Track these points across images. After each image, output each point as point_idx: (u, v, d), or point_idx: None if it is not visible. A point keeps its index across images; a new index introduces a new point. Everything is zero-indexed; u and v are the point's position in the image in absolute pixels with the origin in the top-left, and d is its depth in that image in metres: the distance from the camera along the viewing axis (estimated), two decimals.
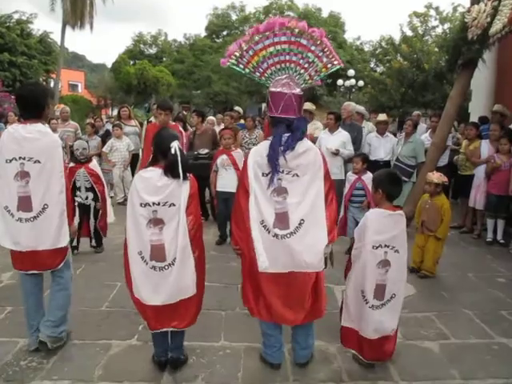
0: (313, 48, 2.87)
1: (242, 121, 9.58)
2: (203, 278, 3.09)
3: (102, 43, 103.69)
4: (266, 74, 2.94)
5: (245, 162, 2.99)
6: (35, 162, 3.06)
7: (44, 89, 3.36)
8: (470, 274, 5.09)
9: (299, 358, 3.20)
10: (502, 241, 6.25)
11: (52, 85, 26.56)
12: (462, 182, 6.99)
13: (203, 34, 41.85)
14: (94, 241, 5.56)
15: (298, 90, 2.86)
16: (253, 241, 2.85)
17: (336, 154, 6.34)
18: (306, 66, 2.90)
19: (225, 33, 41.27)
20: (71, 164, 5.24)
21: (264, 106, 30.10)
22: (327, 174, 2.96)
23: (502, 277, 5.05)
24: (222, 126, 7.88)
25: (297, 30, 2.84)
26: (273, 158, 2.80)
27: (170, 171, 2.82)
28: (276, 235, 2.83)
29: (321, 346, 3.44)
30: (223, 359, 3.26)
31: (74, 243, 5.26)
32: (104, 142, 8.01)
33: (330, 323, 3.44)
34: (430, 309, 4.09)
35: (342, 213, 5.54)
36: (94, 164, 5.46)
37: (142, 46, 42.48)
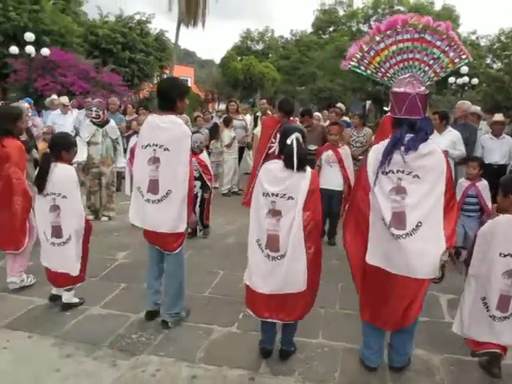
0: (438, 43, 2.75)
1: (345, 117, 9.42)
2: (318, 276, 3.09)
3: (211, 40, 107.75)
4: (388, 74, 2.88)
5: (365, 160, 2.96)
6: (165, 149, 3.32)
7: (178, 84, 3.58)
8: None
9: (394, 362, 3.10)
10: None
11: None
12: None
13: (309, 30, 41.77)
14: (199, 225, 5.80)
15: (422, 89, 2.75)
16: (367, 236, 2.84)
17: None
18: (431, 62, 2.79)
19: (331, 29, 40.74)
20: None
21: (368, 103, 29.36)
22: (450, 179, 2.82)
23: None
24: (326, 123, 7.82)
25: (420, 26, 2.73)
26: (386, 155, 2.75)
27: (287, 162, 2.90)
28: (392, 234, 2.75)
29: (423, 355, 3.29)
30: (321, 357, 3.25)
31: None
32: (212, 135, 8.34)
33: (434, 333, 3.29)
34: None
35: None
36: (204, 155, 5.73)
37: (249, 42, 43.45)
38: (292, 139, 2.90)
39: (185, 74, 35.19)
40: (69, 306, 3.80)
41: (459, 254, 5.08)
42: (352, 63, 2.93)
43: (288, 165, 2.89)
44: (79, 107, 10.52)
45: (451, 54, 2.77)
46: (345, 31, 37.91)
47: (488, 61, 30.10)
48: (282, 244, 2.91)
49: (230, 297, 4.09)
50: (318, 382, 2.97)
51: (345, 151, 5.72)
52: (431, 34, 2.74)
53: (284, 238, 2.90)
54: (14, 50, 16.73)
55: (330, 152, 5.68)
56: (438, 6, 37.01)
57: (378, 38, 2.83)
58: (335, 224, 5.78)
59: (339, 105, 10.71)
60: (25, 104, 7.39)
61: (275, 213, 2.93)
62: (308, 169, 2.97)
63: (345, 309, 3.92)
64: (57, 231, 3.69)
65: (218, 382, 2.95)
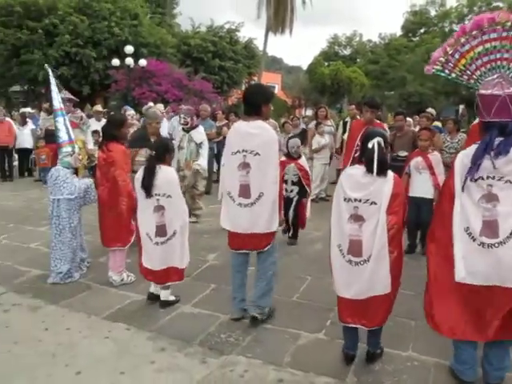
0: None
1: (437, 123, 9.00)
2: (398, 281, 3.04)
3: (298, 46, 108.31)
4: (474, 77, 2.77)
5: (452, 165, 2.85)
6: (255, 154, 3.45)
7: (263, 89, 3.76)
8: None
9: (491, 378, 2.88)
10: None
11: None
12: None
13: (399, 32, 40.46)
14: (291, 232, 5.84)
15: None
16: (452, 248, 2.69)
17: None
18: None
19: (422, 30, 39.14)
20: (283, 158, 5.62)
21: (461, 107, 27.79)
22: None
23: None
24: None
25: (509, 24, 2.59)
26: (474, 161, 2.62)
27: (367, 166, 2.89)
28: (482, 244, 2.62)
29: None
30: (411, 371, 3.13)
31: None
32: (300, 141, 8.37)
33: None
34: None
35: None
36: (303, 160, 5.76)
37: (336, 47, 43.09)
38: (373, 143, 2.90)
39: (272, 80, 35.68)
40: (167, 304, 4.02)
41: None
42: (436, 67, 2.85)
43: (369, 169, 2.88)
44: (175, 114, 11.05)
45: None
46: (436, 32, 36.18)
47: None
48: (364, 249, 2.90)
49: (317, 303, 4.08)
50: None
51: (435, 157, 5.47)
52: None
53: (367, 242, 2.89)
54: (115, 62, 18.08)
55: (420, 158, 5.46)
56: None
57: (462, 40, 2.74)
58: (425, 233, 5.51)
59: (430, 110, 10.25)
60: (131, 111, 7.91)
61: (357, 218, 2.92)
62: (390, 173, 2.94)
63: None
64: (161, 230, 3.93)
65: None
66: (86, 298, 4.18)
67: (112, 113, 9.07)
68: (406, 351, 3.36)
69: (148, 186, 3.86)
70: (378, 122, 5.52)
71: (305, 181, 5.61)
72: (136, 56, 18.67)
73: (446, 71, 2.84)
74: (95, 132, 9.31)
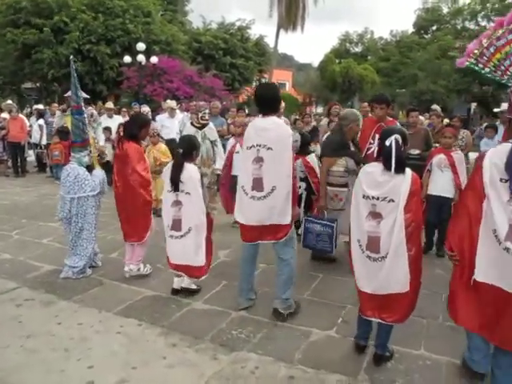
0: None
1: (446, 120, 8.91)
2: (419, 278, 3.03)
3: (308, 43, 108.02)
4: (508, 72, 2.70)
5: (478, 164, 2.74)
6: (268, 149, 3.52)
7: (276, 88, 3.83)
8: None
9: (498, 379, 2.83)
10: None
11: None
12: None
13: (410, 30, 40.10)
14: (300, 230, 5.79)
15: None
16: (477, 249, 2.64)
17: None
18: None
19: (434, 27, 38.75)
20: None
21: (474, 105, 27.51)
22: None
23: None
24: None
25: None
26: (511, 164, 2.51)
27: (385, 163, 2.91)
28: (507, 249, 2.52)
29: None
30: (423, 369, 3.11)
31: None
32: (311, 139, 8.30)
33: None
34: None
35: None
36: (312, 157, 5.72)
37: (347, 44, 42.81)
38: (391, 140, 2.91)
39: (283, 77, 35.66)
40: (188, 292, 4.13)
41: None
42: (470, 60, 2.79)
43: (387, 166, 2.90)
44: (187, 111, 11.07)
45: None
46: (449, 30, 35.81)
47: None
48: (382, 246, 2.90)
49: (328, 300, 4.08)
50: None
51: (459, 156, 5.33)
52: None
53: (385, 239, 2.89)
54: (127, 59, 18.12)
55: (443, 156, 5.30)
56: None
57: (499, 33, 2.65)
58: (444, 233, 5.44)
59: (434, 107, 10.02)
60: (146, 108, 7.89)
61: (375, 215, 2.94)
62: (408, 170, 2.94)
63: (449, 321, 3.69)
64: (177, 225, 4.01)
65: None
66: (98, 294, 4.21)
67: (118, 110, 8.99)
68: (418, 350, 3.35)
69: (176, 182, 3.95)
70: (391, 119, 5.42)
71: (311, 178, 5.54)
72: (148, 53, 18.71)
73: (480, 65, 2.79)
74: (106, 129, 9.36)
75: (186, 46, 24.65)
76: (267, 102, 3.65)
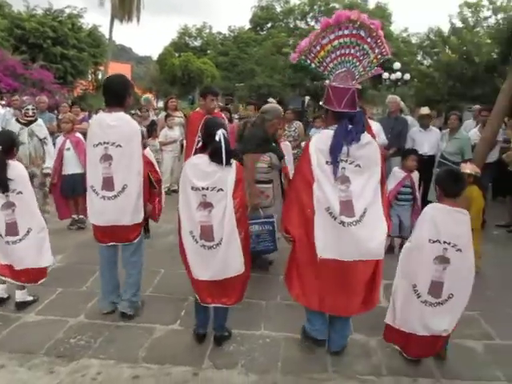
0: (369, 40, 2.91)
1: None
2: (249, 258, 3.22)
3: (148, 36, 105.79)
4: (328, 68, 3.00)
5: (305, 151, 3.03)
6: (117, 146, 3.40)
7: (125, 81, 3.62)
8: None
9: (335, 346, 3.24)
10: None
11: (100, 77, 27.31)
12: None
13: (247, 26, 41.88)
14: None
15: (355, 84, 2.94)
16: (314, 227, 2.89)
17: None
18: (362, 58, 2.94)
19: (269, 25, 41.07)
20: None
21: (307, 98, 29.85)
22: (383, 168, 3.03)
23: None
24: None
25: (358, 23, 2.87)
26: (336, 148, 2.86)
27: (215, 158, 3.01)
28: (342, 222, 2.85)
29: (361, 339, 3.43)
30: (263, 348, 3.31)
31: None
32: (149, 132, 8.15)
33: (371, 317, 3.41)
34: (474, 308, 3.93)
35: None
36: (148, 151, 5.52)
37: (187, 38, 42.92)
38: (219, 135, 3.02)
39: (121, 70, 33.97)
40: (24, 305, 3.76)
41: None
42: (301, 56, 3.02)
43: (215, 160, 3.01)
44: (9, 106, 9.97)
45: (376, 51, 2.94)
46: (282, 27, 38.32)
47: (419, 57, 31.44)
48: (215, 233, 3.03)
49: (171, 295, 4.08)
50: (260, 372, 3.03)
51: (287, 146, 5.63)
52: (365, 30, 2.89)
53: (217, 227, 3.02)
54: None
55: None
56: (371, 4, 38.25)
57: (324, 33, 2.93)
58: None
59: (270, 100, 10.59)
60: None
61: (206, 205, 3.04)
62: (233, 161, 3.10)
63: (286, 300, 3.99)
64: (12, 228, 3.64)
65: (161, 380, 2.93)
66: None
67: None
68: (259, 330, 3.54)
69: (4, 181, 3.55)
70: (217, 111, 5.59)
71: (151, 173, 5.36)
72: None
73: (308, 61, 3.02)
74: None
75: (5, 32, 22.02)
76: (113, 95, 3.48)
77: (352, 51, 2.93)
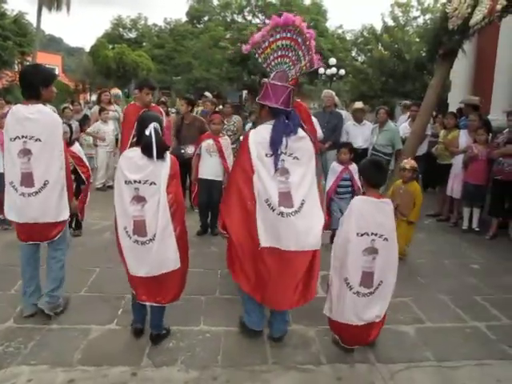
0: (303, 47, 3.07)
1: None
2: (186, 255, 3.20)
3: (80, 26, 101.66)
4: (270, 66, 3.13)
5: (244, 144, 3.10)
6: (36, 140, 3.22)
7: (41, 70, 3.42)
8: (445, 261, 5.19)
9: (277, 332, 3.30)
10: (477, 229, 6.34)
11: None
12: (441, 171, 7.01)
13: (184, 18, 41.31)
14: (73, 223, 5.43)
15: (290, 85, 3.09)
16: (255, 219, 2.95)
17: None
18: (296, 62, 3.10)
19: (206, 18, 40.71)
20: None
21: (245, 93, 29.94)
22: (317, 161, 3.18)
23: (476, 263, 5.16)
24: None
25: (298, 29, 3.02)
26: (276, 140, 2.95)
27: (145, 151, 2.96)
28: (281, 213, 2.94)
29: (300, 329, 3.49)
30: (203, 343, 3.28)
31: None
32: (81, 127, 7.83)
33: (310, 307, 3.48)
34: (406, 294, 4.14)
35: None
36: (77, 147, 5.30)
37: (121, 29, 41.75)
38: (150, 129, 2.97)
39: (51, 61, 32.62)
40: None
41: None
42: (252, 49, 3.13)
43: (147, 154, 2.96)
44: None
45: (306, 58, 3.11)
46: (219, 21, 38.12)
47: (353, 54, 32.47)
48: (148, 228, 2.98)
49: (107, 294, 3.95)
50: (201, 367, 2.99)
51: (225, 141, 5.66)
52: (302, 37, 3.05)
53: (150, 222, 2.97)
54: None
55: (211, 141, 5.54)
56: (307, 1, 38.90)
57: (272, 31, 3.06)
58: (217, 214, 5.76)
59: (206, 94, 10.49)
60: None
61: (139, 199, 2.99)
62: (167, 155, 3.06)
63: (225, 294, 4.00)
64: None
65: (98, 383, 2.82)
66: None
67: None
68: (198, 326, 3.51)
69: None
70: (154, 105, 5.48)
71: (80, 168, 5.12)
72: None
73: (257, 55, 3.14)
74: None
75: None
76: (27, 86, 3.30)
77: (290, 54, 3.09)
